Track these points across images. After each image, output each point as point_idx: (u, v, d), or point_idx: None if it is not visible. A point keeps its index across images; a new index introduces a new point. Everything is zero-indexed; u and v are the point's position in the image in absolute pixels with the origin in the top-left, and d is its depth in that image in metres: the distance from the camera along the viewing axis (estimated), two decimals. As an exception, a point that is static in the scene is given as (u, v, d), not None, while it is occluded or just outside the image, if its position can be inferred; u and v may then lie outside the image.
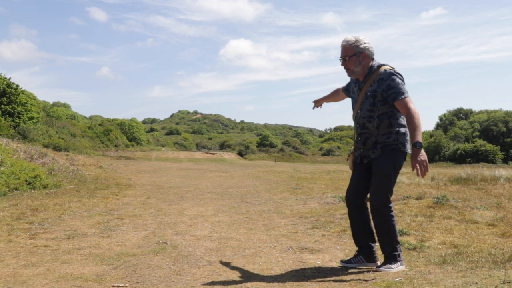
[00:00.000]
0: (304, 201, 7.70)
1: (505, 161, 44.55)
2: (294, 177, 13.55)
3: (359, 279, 3.12)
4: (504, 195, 7.62)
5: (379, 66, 3.32)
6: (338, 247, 4.21)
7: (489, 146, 45.38)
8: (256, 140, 62.20)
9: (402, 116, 3.32)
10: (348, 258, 3.60)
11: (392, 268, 3.31)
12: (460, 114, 61.53)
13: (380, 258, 3.52)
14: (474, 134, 51.21)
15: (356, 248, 3.58)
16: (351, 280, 3.12)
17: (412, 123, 3.12)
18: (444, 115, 62.30)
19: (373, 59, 3.38)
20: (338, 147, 58.41)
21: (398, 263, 3.35)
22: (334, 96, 3.94)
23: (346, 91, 3.73)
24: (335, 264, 3.62)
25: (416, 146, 3.04)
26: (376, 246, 3.54)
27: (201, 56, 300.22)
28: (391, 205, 3.35)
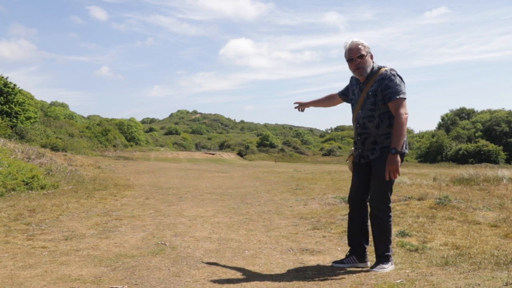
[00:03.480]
0: (304, 202, 7.66)
1: (508, 161, 44.46)
2: (295, 178, 13.52)
3: (360, 281, 3.08)
4: (507, 196, 7.59)
5: (380, 67, 3.46)
6: (339, 248, 4.17)
7: (491, 146, 45.31)
8: (256, 140, 62.09)
9: None
10: (340, 259, 3.67)
11: (385, 268, 3.38)
12: (463, 113, 61.42)
13: (371, 258, 3.60)
14: (476, 134, 51.12)
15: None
16: (352, 282, 3.09)
17: (396, 129, 3.27)
18: (446, 115, 62.23)
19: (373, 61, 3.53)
20: (339, 147, 58.30)
21: (390, 263, 3.44)
22: (327, 101, 3.98)
23: (343, 95, 3.80)
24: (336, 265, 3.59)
25: (391, 152, 3.25)
26: (368, 247, 3.63)
27: (200, 56, 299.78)
28: (390, 205, 3.44)
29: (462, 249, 3.92)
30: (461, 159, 44.28)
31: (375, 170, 3.40)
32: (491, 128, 50.88)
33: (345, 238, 4.56)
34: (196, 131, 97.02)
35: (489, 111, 57.16)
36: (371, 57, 3.46)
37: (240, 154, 51.54)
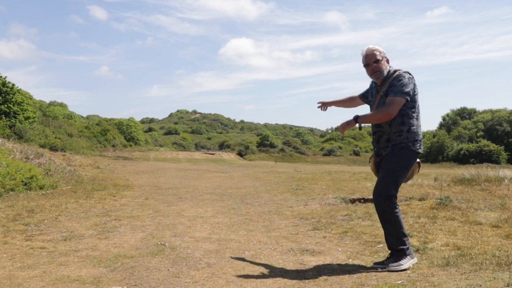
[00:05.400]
0: (305, 202, 7.64)
1: (510, 161, 44.46)
2: (295, 178, 13.51)
3: (361, 282, 3.06)
4: (508, 196, 7.57)
5: (395, 70, 3.59)
6: (339, 249, 4.15)
7: (493, 146, 45.30)
8: (256, 140, 62.10)
9: (414, 115, 3.51)
10: (382, 260, 3.56)
11: (402, 264, 3.34)
12: (464, 113, 61.40)
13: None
14: (478, 134, 51.10)
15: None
16: (352, 282, 3.07)
17: (374, 112, 3.48)
18: (448, 114, 62.22)
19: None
20: (340, 147, 58.34)
21: (408, 257, 3.39)
22: (348, 102, 4.11)
23: (363, 97, 3.94)
24: (337, 266, 3.56)
25: (354, 117, 3.49)
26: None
27: (200, 55, 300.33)
28: (394, 199, 3.47)
29: (463, 250, 3.90)
30: (462, 159, 44.30)
31: (383, 163, 3.53)
32: (493, 128, 50.87)
33: (346, 238, 4.56)
34: (195, 131, 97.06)
35: (491, 111, 57.13)
36: (387, 61, 3.60)
37: (240, 154, 51.55)
